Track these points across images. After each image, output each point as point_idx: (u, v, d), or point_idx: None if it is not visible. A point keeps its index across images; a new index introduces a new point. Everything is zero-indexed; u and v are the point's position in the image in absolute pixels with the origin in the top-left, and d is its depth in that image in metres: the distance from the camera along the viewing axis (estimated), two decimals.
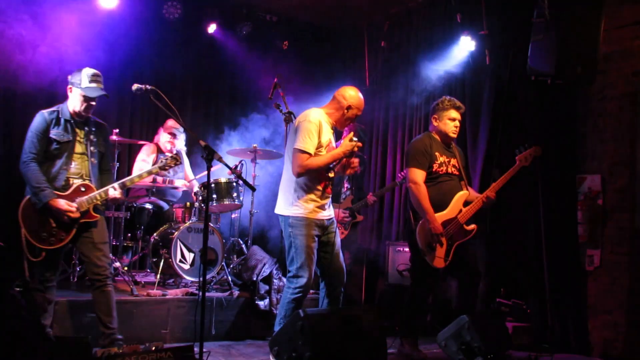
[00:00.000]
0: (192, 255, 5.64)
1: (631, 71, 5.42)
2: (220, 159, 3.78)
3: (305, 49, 8.09)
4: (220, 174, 6.31)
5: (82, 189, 4.26)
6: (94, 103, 4.35)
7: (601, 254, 5.49)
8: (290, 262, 4.37)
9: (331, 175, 4.46)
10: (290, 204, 4.37)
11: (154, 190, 6.16)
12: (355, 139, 4.37)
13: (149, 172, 4.59)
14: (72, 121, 4.33)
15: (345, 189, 6.54)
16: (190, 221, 5.76)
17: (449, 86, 6.62)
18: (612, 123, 5.53)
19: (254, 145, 6.21)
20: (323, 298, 4.51)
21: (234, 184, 5.92)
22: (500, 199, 5.06)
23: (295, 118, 4.60)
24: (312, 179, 4.37)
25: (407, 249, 5.76)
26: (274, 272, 5.63)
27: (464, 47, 6.31)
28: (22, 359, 3.26)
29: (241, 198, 6.01)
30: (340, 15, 7.61)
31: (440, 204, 4.83)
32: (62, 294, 4.86)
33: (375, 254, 6.99)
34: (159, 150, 6.47)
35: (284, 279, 5.41)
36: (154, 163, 6.20)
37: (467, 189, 5.00)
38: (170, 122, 6.43)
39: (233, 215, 6.60)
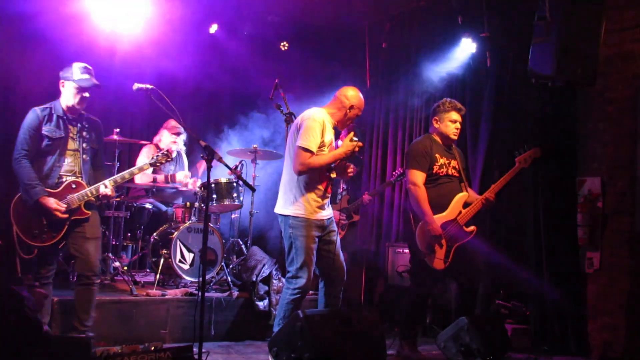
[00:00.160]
0: (191, 255, 5.64)
1: (632, 74, 5.42)
2: (220, 160, 3.78)
3: (306, 49, 8.09)
4: (220, 174, 6.31)
5: (73, 186, 4.28)
6: (87, 95, 4.35)
7: (601, 256, 5.49)
8: (290, 262, 4.37)
9: (333, 175, 4.46)
10: (290, 203, 4.37)
11: (154, 190, 6.17)
12: (355, 138, 4.38)
13: (140, 169, 4.60)
14: (64, 117, 4.35)
15: (342, 190, 6.55)
16: (190, 221, 5.76)
17: (450, 88, 6.63)
18: (612, 126, 5.53)
19: (254, 145, 6.21)
20: (323, 298, 4.51)
21: (234, 184, 5.92)
22: (500, 201, 5.06)
23: (295, 118, 4.60)
24: (314, 178, 4.37)
25: (406, 251, 5.76)
26: (274, 272, 5.63)
27: (465, 49, 6.31)
28: (22, 358, 3.25)
29: (241, 198, 6.01)
30: (342, 16, 7.61)
31: (440, 206, 4.83)
32: (62, 294, 4.85)
33: (375, 255, 6.99)
34: (159, 151, 6.45)
35: (284, 280, 5.41)
36: None
37: (467, 191, 5.01)
38: (174, 123, 6.43)
39: (233, 216, 6.60)
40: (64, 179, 4.28)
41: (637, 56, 5.40)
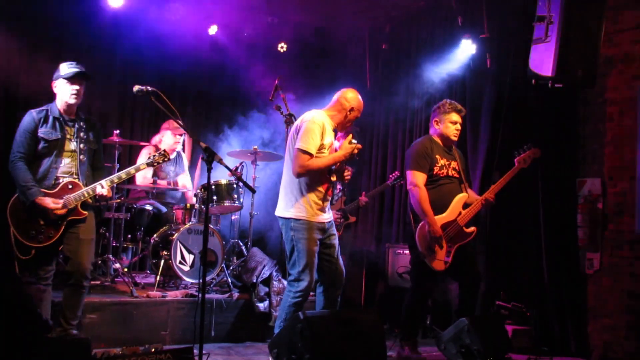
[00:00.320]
0: (192, 256, 5.63)
1: (632, 75, 5.43)
2: (220, 161, 3.78)
3: (306, 51, 8.10)
4: (220, 175, 6.31)
5: (70, 187, 4.29)
6: (77, 87, 4.34)
7: (601, 257, 5.49)
8: (292, 265, 4.35)
9: (333, 178, 4.45)
10: (291, 206, 4.36)
11: (154, 192, 6.17)
12: (354, 141, 4.37)
13: (136, 169, 4.60)
14: (61, 119, 4.36)
15: (338, 190, 6.55)
16: (190, 223, 5.76)
17: (450, 89, 6.63)
18: (612, 127, 5.54)
19: (254, 147, 6.21)
20: (321, 301, 4.49)
21: (234, 185, 5.92)
22: (500, 202, 5.06)
23: (295, 120, 4.60)
24: (314, 181, 4.36)
25: (407, 252, 5.77)
26: (274, 274, 5.63)
27: (465, 50, 6.31)
28: (22, 358, 3.25)
29: (241, 200, 6.01)
30: (342, 18, 7.61)
31: (440, 207, 4.83)
32: (61, 296, 4.85)
33: (375, 257, 6.99)
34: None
35: (284, 281, 5.42)
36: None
37: (467, 192, 5.01)
38: (175, 124, 6.43)
39: (233, 217, 6.59)
40: (60, 180, 4.30)
41: (637, 57, 5.40)
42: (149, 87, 3.92)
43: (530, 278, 5.83)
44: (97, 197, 4.40)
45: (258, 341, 5.38)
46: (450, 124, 4.96)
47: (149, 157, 4.63)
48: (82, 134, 4.41)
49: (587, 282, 5.57)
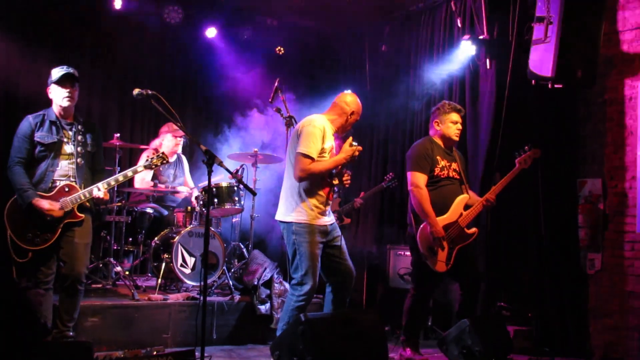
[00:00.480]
0: (193, 259, 5.64)
1: (632, 75, 5.43)
2: (220, 164, 3.79)
3: (306, 53, 8.10)
4: (220, 178, 6.31)
5: (66, 189, 4.31)
6: (69, 89, 4.34)
7: (602, 257, 5.49)
8: (294, 269, 4.34)
9: (335, 182, 4.45)
10: (292, 210, 4.35)
11: (155, 195, 6.16)
12: (355, 143, 4.37)
13: (134, 171, 4.60)
14: (58, 122, 4.38)
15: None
16: (191, 225, 5.76)
17: (450, 90, 6.63)
18: (612, 127, 5.54)
19: (255, 149, 6.21)
20: (330, 302, 4.48)
21: (235, 188, 5.93)
22: (501, 202, 5.06)
23: (296, 122, 4.60)
24: (315, 184, 4.36)
25: (408, 253, 5.76)
26: (275, 276, 5.63)
27: (465, 51, 6.31)
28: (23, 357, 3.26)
29: (242, 202, 6.01)
30: (341, 19, 7.61)
31: (441, 208, 4.83)
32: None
33: (376, 258, 6.98)
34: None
35: (285, 283, 5.42)
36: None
37: (468, 193, 5.01)
38: (175, 127, 6.42)
39: (234, 220, 6.59)
40: (57, 183, 4.31)
41: (637, 57, 5.40)
42: (148, 91, 3.93)
43: (530, 278, 5.82)
44: (94, 200, 4.40)
45: (260, 343, 5.38)
46: (451, 124, 4.96)
47: (147, 160, 4.63)
48: (79, 137, 4.42)
49: (588, 282, 5.57)
